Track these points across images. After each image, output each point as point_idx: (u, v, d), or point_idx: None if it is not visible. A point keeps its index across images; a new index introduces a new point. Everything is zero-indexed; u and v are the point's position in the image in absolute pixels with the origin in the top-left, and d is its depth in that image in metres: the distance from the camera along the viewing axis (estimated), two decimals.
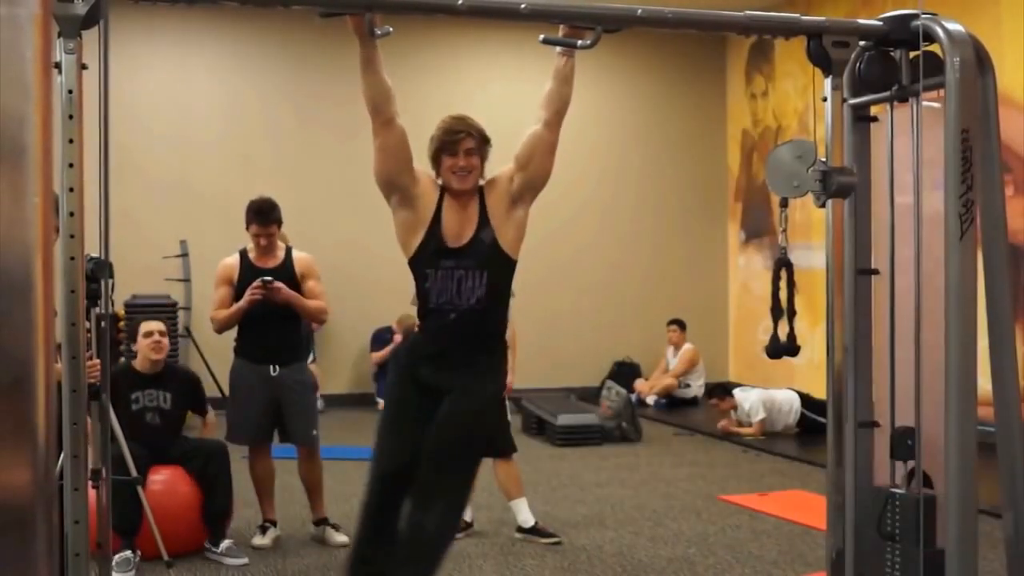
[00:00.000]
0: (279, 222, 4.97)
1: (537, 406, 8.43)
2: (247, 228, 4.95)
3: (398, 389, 3.53)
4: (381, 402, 9.64)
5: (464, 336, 3.44)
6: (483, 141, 3.51)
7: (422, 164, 3.52)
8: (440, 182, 3.50)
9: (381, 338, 9.87)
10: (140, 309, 8.73)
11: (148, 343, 4.88)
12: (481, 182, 3.53)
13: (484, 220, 3.46)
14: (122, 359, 5.07)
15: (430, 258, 3.41)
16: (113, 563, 4.18)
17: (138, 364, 4.94)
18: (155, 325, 4.95)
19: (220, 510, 4.81)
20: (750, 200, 10.91)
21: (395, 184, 3.43)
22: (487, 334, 3.51)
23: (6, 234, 0.93)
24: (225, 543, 4.73)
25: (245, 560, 4.69)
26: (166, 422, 4.93)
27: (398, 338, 9.54)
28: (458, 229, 3.44)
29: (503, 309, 3.58)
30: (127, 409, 4.81)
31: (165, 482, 4.76)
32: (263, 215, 4.90)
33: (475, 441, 3.52)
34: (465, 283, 3.40)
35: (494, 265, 3.45)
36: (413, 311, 5.73)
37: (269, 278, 4.81)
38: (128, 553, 4.48)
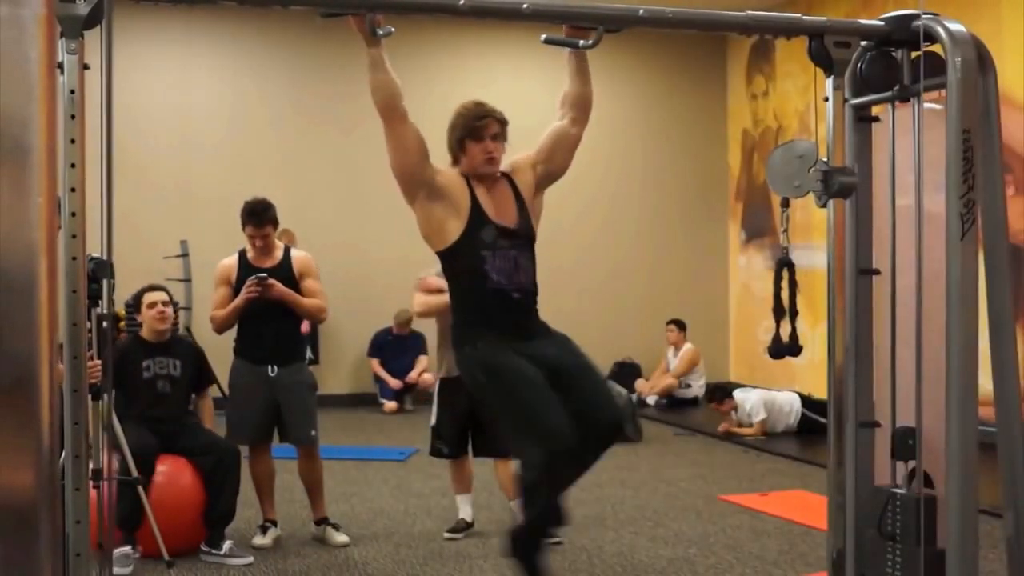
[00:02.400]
0: (274, 222, 4.99)
1: None
2: (243, 229, 4.98)
3: (519, 363, 3.37)
4: (386, 403, 9.66)
5: (529, 314, 3.51)
6: (504, 124, 3.56)
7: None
8: (461, 170, 3.52)
9: (381, 340, 9.87)
10: None
11: (153, 314, 4.93)
12: (500, 166, 3.57)
13: (521, 203, 3.52)
14: (124, 328, 5.11)
15: (485, 240, 3.41)
16: (114, 555, 4.20)
17: (145, 334, 4.99)
18: (158, 296, 4.99)
19: (224, 513, 4.80)
20: (751, 200, 10.90)
21: (419, 179, 3.43)
22: (536, 307, 3.58)
23: (10, 234, 0.94)
24: (227, 544, 4.73)
25: (250, 559, 4.69)
26: (176, 390, 4.95)
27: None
28: (499, 211, 3.48)
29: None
30: (139, 378, 4.84)
31: (168, 474, 4.74)
32: (257, 216, 4.92)
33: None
34: (520, 262, 3.46)
35: (533, 245, 3.53)
36: (409, 307, 5.70)
37: (263, 275, 4.83)
38: (128, 548, 4.48)
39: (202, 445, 4.86)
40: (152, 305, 4.94)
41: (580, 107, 3.50)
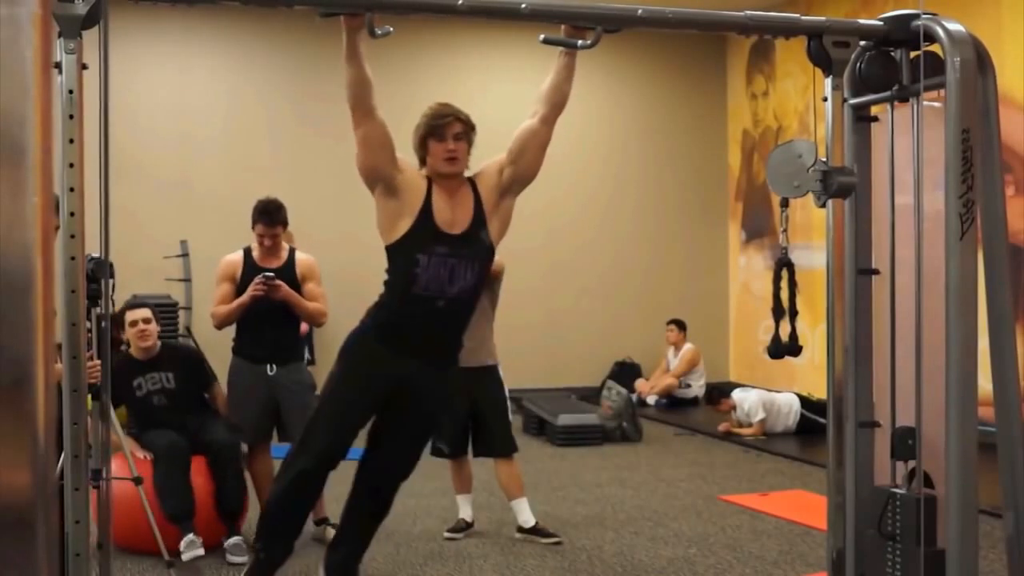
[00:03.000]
0: (284, 223, 4.99)
1: (538, 406, 8.42)
2: (253, 228, 4.96)
3: (365, 382, 3.57)
4: None
5: (449, 324, 3.51)
6: (469, 127, 3.54)
7: (410, 157, 3.54)
8: (426, 172, 3.52)
9: None
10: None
11: (134, 332, 4.92)
12: (468, 173, 3.56)
13: (479, 211, 3.49)
14: (122, 347, 5.07)
15: (422, 243, 3.42)
16: (181, 546, 4.43)
17: (133, 352, 4.97)
18: (139, 313, 4.95)
19: (231, 508, 4.81)
20: (751, 200, 10.90)
21: (379, 174, 3.45)
22: (466, 322, 3.60)
23: (6, 234, 0.93)
24: (233, 539, 4.74)
25: (245, 558, 4.69)
26: (174, 402, 4.94)
27: None
28: (450, 217, 3.46)
29: (480, 298, 3.64)
30: (133, 397, 4.84)
31: None
32: (269, 215, 4.91)
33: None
34: (458, 271, 3.43)
35: (484, 256, 3.51)
36: None
37: (271, 275, 4.83)
38: (191, 536, 4.54)
39: (204, 442, 4.87)
40: (133, 324, 4.91)
41: (553, 103, 3.46)
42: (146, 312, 4.99)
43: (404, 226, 3.45)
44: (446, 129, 3.47)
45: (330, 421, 3.57)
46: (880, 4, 8.17)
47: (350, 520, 3.81)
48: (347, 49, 3.23)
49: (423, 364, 3.52)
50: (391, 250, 3.51)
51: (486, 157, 3.68)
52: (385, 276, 3.61)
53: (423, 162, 3.55)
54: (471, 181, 3.55)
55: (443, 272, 3.42)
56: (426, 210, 3.45)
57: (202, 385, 5.19)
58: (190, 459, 4.74)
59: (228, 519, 4.80)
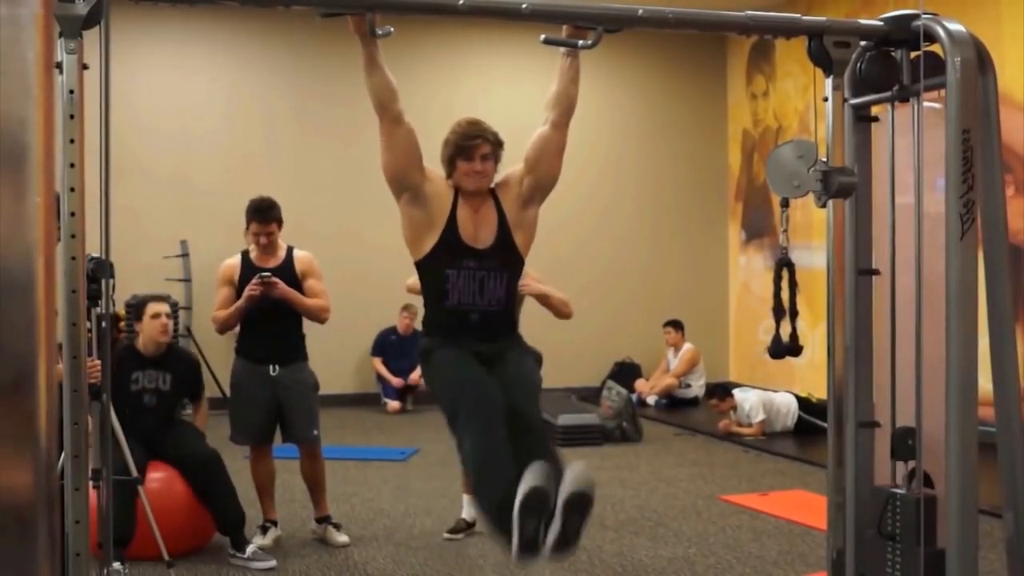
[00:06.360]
0: (279, 221, 4.98)
1: None
2: (247, 227, 4.96)
3: (451, 351, 3.37)
4: (390, 403, 9.65)
5: (488, 332, 3.46)
6: (497, 145, 3.51)
7: (430, 164, 3.52)
8: (452, 183, 3.50)
9: (384, 339, 9.87)
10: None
11: (156, 326, 4.86)
12: (491, 184, 3.55)
13: (503, 222, 3.47)
14: (123, 336, 4.99)
15: (450, 258, 3.40)
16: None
17: (141, 345, 4.91)
18: (162, 307, 4.92)
19: (233, 519, 4.79)
20: (751, 200, 10.90)
21: (405, 182, 3.43)
22: (502, 331, 3.54)
23: (8, 234, 0.94)
24: (251, 548, 4.73)
25: (273, 563, 4.69)
26: (162, 404, 4.90)
27: (407, 321, 9.55)
28: (475, 231, 3.45)
29: (516, 308, 3.60)
30: (125, 391, 4.77)
31: (162, 480, 4.73)
32: (262, 213, 4.91)
33: (538, 380, 3.60)
34: (488, 284, 3.41)
35: (512, 266, 3.49)
36: (410, 300, 5.58)
37: (267, 274, 4.82)
38: (117, 565, 4.35)
39: (184, 454, 4.83)
40: (156, 316, 4.86)
41: (562, 108, 3.45)
42: (167, 307, 4.97)
43: (430, 241, 3.43)
44: (474, 151, 3.45)
45: (461, 385, 3.28)
46: (880, 4, 8.17)
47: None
48: (365, 58, 3.22)
49: (485, 346, 3.40)
50: (420, 266, 3.49)
51: None
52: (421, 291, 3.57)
53: (449, 175, 3.53)
54: (492, 193, 3.53)
55: (472, 285, 3.41)
56: (451, 223, 3.43)
57: (193, 394, 5.16)
58: (143, 470, 4.54)
59: (234, 530, 4.78)
